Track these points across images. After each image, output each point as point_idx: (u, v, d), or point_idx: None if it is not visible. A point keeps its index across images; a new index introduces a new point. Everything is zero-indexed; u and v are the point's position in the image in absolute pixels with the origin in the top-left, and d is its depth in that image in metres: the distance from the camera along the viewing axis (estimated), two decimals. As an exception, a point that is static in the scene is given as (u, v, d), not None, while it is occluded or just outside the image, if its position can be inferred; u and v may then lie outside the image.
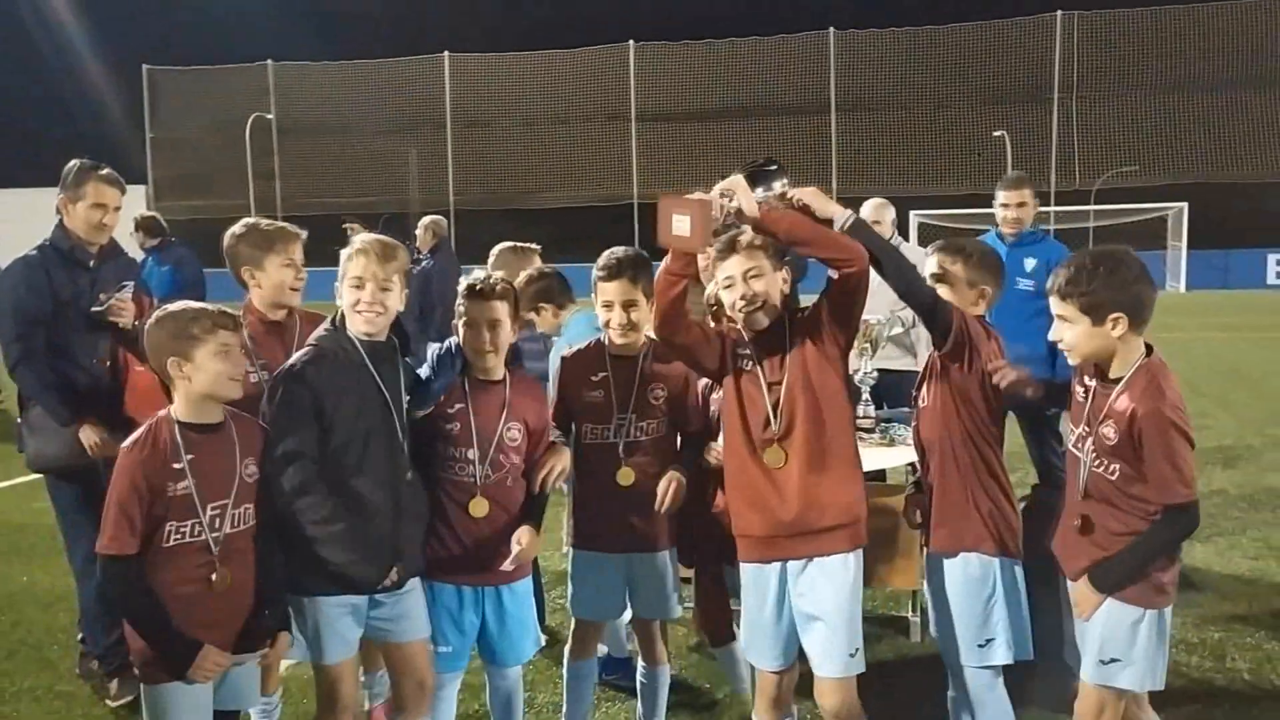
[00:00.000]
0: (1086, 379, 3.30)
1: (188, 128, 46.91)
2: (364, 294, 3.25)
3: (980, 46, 42.96)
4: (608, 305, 3.74)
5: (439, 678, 3.57)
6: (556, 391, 3.90)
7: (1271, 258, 35.44)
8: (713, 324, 3.79)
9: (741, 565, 3.49)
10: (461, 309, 3.59)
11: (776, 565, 3.38)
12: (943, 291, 3.52)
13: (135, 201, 34.84)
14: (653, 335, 3.84)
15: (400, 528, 3.32)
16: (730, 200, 3.14)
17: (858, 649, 3.34)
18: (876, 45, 43.41)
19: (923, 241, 24.22)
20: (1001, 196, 6.34)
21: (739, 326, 3.46)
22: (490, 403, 3.57)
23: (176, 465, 2.97)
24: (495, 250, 5.38)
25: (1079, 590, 3.24)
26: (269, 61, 46.57)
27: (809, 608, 3.34)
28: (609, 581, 3.87)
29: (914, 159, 41.90)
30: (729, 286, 3.37)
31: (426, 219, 8.97)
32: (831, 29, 43.01)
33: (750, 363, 3.40)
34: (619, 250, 3.81)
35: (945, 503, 3.51)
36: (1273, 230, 37.60)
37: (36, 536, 7.05)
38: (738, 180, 3.19)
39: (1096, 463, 3.19)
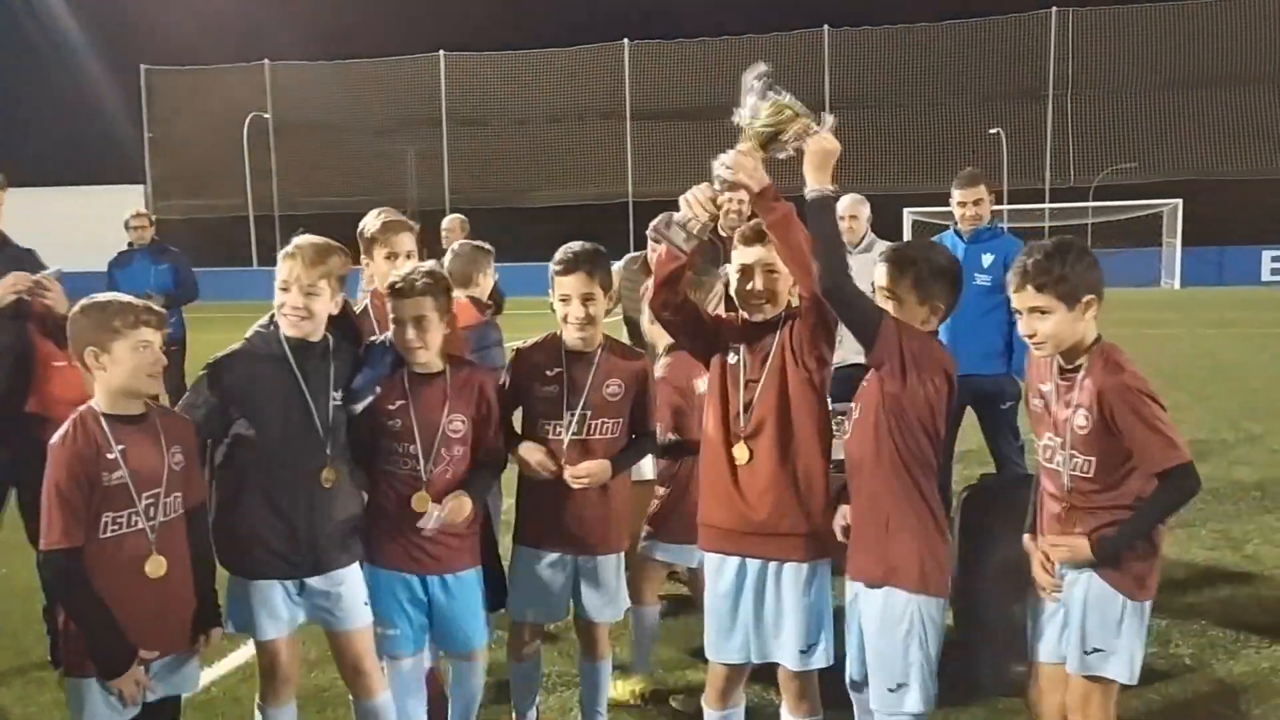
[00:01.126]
0: (1042, 387, 3.27)
1: (186, 127, 47.09)
2: (289, 297, 3.37)
3: (975, 44, 43.20)
4: (565, 299, 3.73)
5: (393, 658, 3.70)
6: (509, 384, 3.90)
7: (1266, 254, 35.41)
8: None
9: (705, 554, 3.53)
10: (389, 306, 3.62)
11: (736, 560, 3.41)
12: (891, 307, 3.28)
13: (134, 201, 34.90)
14: (608, 333, 3.91)
15: (315, 522, 3.41)
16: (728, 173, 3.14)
17: (813, 645, 3.35)
18: (871, 43, 43.64)
19: (916, 239, 24.30)
20: (958, 195, 6.44)
21: (738, 314, 3.47)
22: (431, 396, 3.60)
23: (109, 455, 2.99)
24: (456, 246, 5.46)
25: (1066, 545, 3.17)
26: (266, 61, 46.72)
27: (765, 608, 3.38)
28: (551, 582, 3.84)
29: (909, 156, 42.08)
30: (739, 274, 3.36)
31: (449, 218, 8.93)
32: (826, 27, 43.22)
33: (735, 355, 3.41)
34: (575, 245, 3.79)
35: (867, 528, 3.29)
36: (1267, 227, 37.67)
37: (11, 530, 7.14)
38: (744, 162, 3.14)
39: (1071, 463, 3.17)
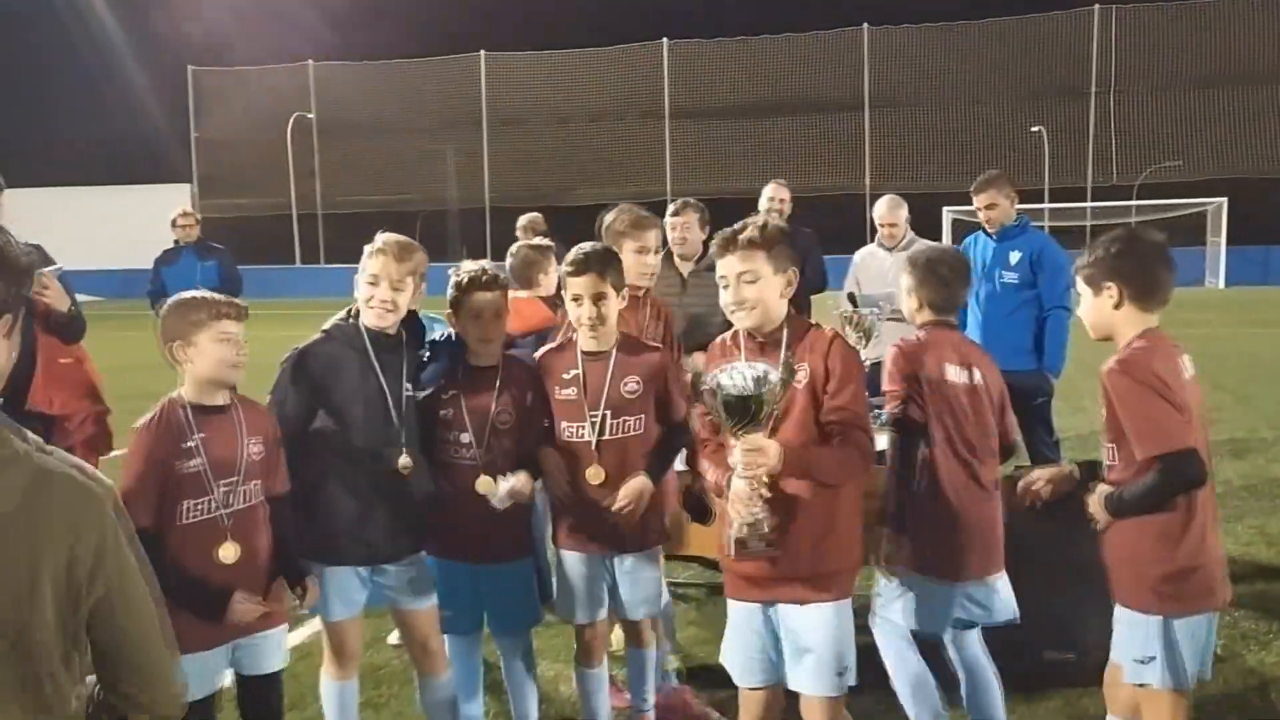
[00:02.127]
0: None
1: (231, 127, 47.81)
2: (378, 291, 3.55)
3: (1017, 41, 42.84)
4: (577, 299, 3.73)
5: (443, 639, 3.86)
6: None
7: (1314, 253, 34.98)
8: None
9: (729, 599, 3.42)
10: (461, 300, 3.74)
11: (766, 606, 3.31)
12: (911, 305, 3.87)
13: (181, 199, 35.39)
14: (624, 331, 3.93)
15: (390, 509, 3.58)
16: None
17: (846, 668, 3.27)
18: (911, 41, 43.42)
19: (956, 237, 24.14)
20: (973, 201, 6.53)
21: (733, 339, 3.39)
22: (482, 388, 3.74)
23: (188, 444, 3.13)
24: (513, 248, 5.51)
25: (1092, 502, 3.26)
26: (310, 61, 47.32)
27: (795, 643, 3.28)
28: (593, 582, 3.84)
29: (949, 155, 41.76)
30: (725, 286, 3.26)
31: (524, 217, 9.04)
32: (865, 25, 43.04)
33: None
34: (586, 245, 3.82)
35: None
36: (1315, 226, 37.09)
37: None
38: (755, 458, 2.99)
39: (1104, 449, 3.22)
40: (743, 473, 3.02)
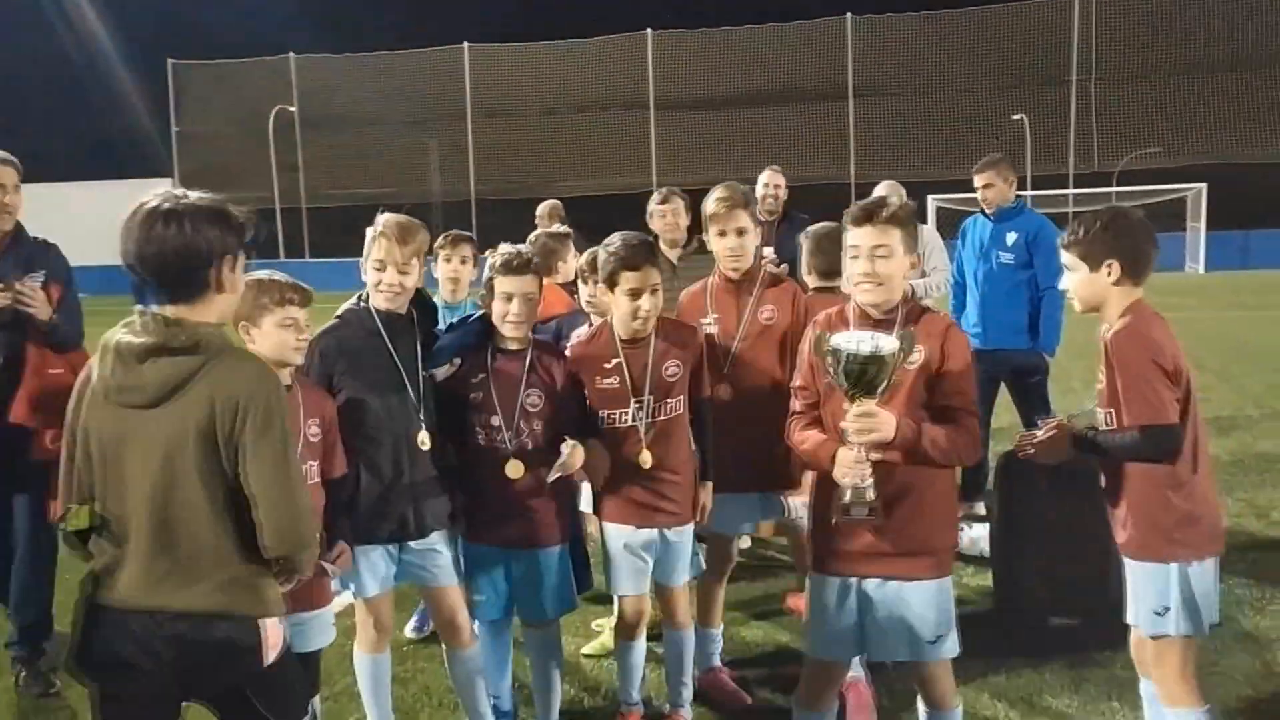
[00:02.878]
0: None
1: (213, 121, 47.48)
2: (385, 275, 3.65)
3: (998, 29, 42.95)
4: (635, 293, 3.76)
5: (480, 621, 3.96)
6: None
7: (1292, 238, 35.30)
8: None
9: (813, 573, 3.40)
10: (494, 283, 3.76)
11: (858, 580, 3.27)
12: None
13: (163, 194, 35.07)
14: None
15: (415, 484, 3.66)
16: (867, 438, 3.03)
17: (940, 636, 3.24)
18: (894, 30, 43.48)
19: (941, 224, 24.28)
20: (974, 181, 6.68)
21: (842, 310, 3.34)
22: (511, 371, 3.78)
23: None
24: (531, 235, 5.57)
25: (1052, 433, 3.34)
26: (291, 55, 47.02)
27: (890, 617, 3.24)
28: (641, 555, 3.94)
29: (932, 143, 41.88)
30: (854, 257, 3.23)
31: (544, 205, 9.11)
32: (849, 14, 43.03)
33: None
34: (630, 237, 3.86)
35: None
36: (1294, 210, 37.43)
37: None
38: (866, 423, 3.01)
39: (1105, 420, 3.28)
40: (854, 438, 3.03)
